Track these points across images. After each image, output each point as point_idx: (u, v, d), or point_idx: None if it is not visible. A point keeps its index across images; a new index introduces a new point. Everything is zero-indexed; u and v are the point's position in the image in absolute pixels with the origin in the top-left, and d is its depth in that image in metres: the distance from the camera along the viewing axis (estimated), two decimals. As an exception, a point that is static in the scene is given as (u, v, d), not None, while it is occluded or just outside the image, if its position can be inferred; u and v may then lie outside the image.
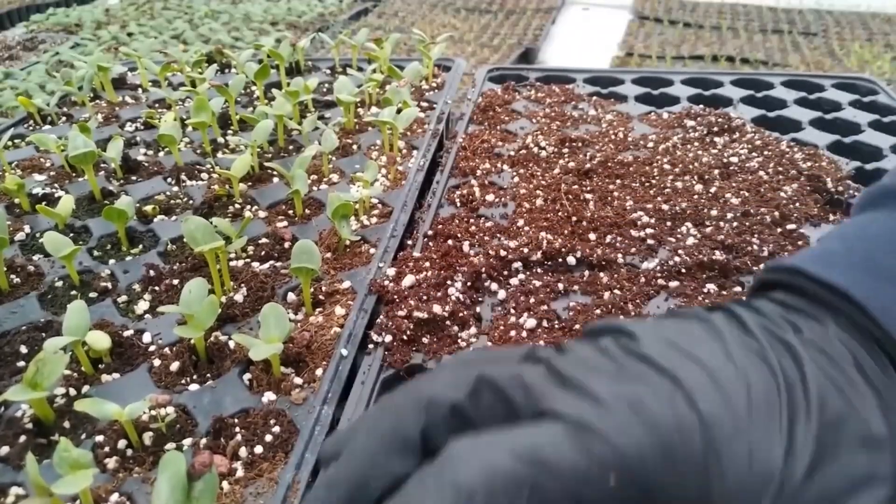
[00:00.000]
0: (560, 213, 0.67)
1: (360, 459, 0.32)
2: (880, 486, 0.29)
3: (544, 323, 0.54)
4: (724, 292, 0.57)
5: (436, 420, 0.32)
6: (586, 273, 0.60)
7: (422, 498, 0.28)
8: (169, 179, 0.80)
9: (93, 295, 0.61)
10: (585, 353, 0.32)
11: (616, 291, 0.57)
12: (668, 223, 0.66)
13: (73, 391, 0.50)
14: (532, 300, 0.56)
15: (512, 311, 0.56)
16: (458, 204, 0.71)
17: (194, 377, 0.51)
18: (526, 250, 0.61)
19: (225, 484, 0.42)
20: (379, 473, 0.31)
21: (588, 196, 0.70)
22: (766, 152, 0.78)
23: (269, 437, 0.45)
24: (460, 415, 0.32)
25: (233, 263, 0.64)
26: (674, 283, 0.58)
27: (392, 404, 0.34)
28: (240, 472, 0.43)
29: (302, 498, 0.41)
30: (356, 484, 0.32)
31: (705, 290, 0.57)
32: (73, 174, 0.82)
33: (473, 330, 0.54)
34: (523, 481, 0.28)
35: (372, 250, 0.64)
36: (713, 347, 0.32)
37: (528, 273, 0.60)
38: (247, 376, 0.51)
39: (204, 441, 0.45)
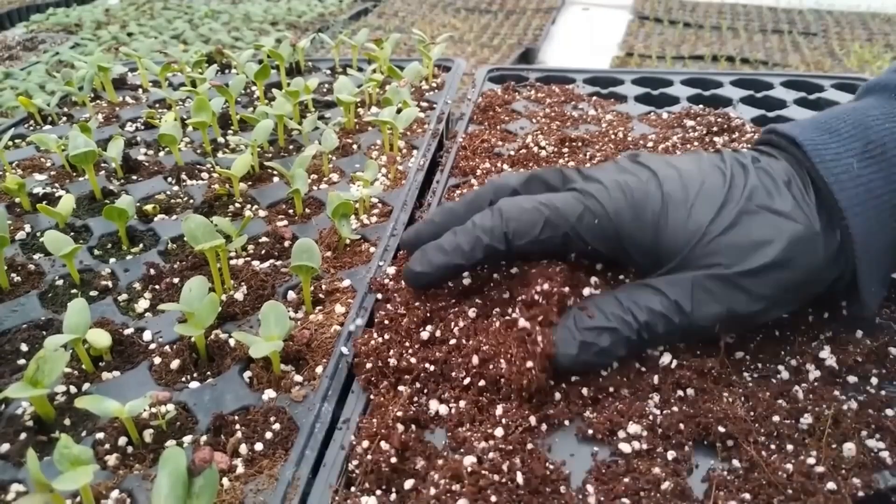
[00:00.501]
0: None
1: (448, 212, 0.55)
2: (780, 250, 0.44)
3: None
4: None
5: (500, 196, 0.53)
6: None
7: (480, 219, 0.50)
8: (169, 179, 0.80)
9: (93, 293, 0.61)
10: (604, 163, 0.54)
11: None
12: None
13: (73, 389, 0.50)
14: None
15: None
16: (458, 203, 0.71)
17: (195, 375, 0.51)
18: None
19: (225, 480, 0.42)
20: (459, 221, 0.52)
21: None
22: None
23: (269, 435, 0.45)
24: (516, 193, 0.54)
25: (233, 262, 0.64)
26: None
27: (474, 190, 0.58)
28: (240, 469, 0.43)
29: (302, 494, 0.41)
30: (443, 225, 0.53)
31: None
32: (74, 174, 0.82)
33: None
34: (540, 215, 0.48)
35: (372, 249, 0.65)
36: (690, 161, 0.51)
37: None
38: (247, 374, 0.51)
39: (204, 438, 0.45)
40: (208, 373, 0.52)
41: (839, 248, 0.46)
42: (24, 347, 0.54)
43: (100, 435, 0.46)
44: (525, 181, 0.54)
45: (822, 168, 0.46)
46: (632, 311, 0.46)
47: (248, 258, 0.65)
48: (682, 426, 0.43)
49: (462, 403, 0.46)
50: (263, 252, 0.65)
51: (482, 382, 0.46)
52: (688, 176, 0.48)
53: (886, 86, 0.49)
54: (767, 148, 0.52)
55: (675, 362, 0.48)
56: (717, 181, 0.48)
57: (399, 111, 0.84)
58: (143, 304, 0.59)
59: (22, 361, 0.53)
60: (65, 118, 0.97)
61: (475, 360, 0.47)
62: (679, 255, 0.46)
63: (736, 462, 0.42)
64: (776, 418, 0.44)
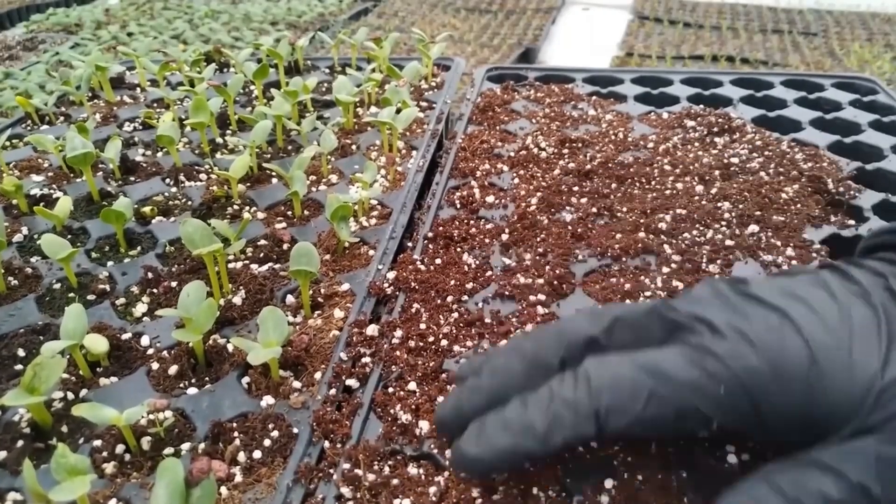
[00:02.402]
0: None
1: (503, 372, 0.40)
2: None
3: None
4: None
5: (573, 351, 0.39)
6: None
7: (559, 389, 0.36)
8: (167, 180, 0.79)
9: (91, 297, 0.60)
10: (705, 294, 0.39)
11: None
12: (671, 226, 0.65)
13: (70, 395, 0.50)
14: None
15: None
16: (458, 205, 0.71)
17: (193, 381, 0.51)
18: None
19: (223, 489, 0.42)
20: (517, 386, 0.38)
21: (585, 200, 0.70)
22: (766, 153, 0.77)
23: (267, 442, 0.45)
24: (596, 345, 0.39)
25: (231, 265, 0.63)
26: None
27: (532, 336, 0.41)
28: (238, 478, 0.43)
29: (302, 502, 0.40)
30: (496, 393, 0.39)
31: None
32: (71, 175, 0.81)
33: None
34: (643, 387, 0.35)
35: (371, 252, 0.64)
36: (818, 291, 0.37)
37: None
38: (245, 380, 0.50)
39: (202, 446, 0.45)
40: (206, 379, 0.51)
41: None
42: (21, 352, 0.54)
43: (97, 442, 0.45)
44: (607, 328, 0.39)
45: None
46: (801, 501, 0.33)
47: (247, 261, 0.64)
48: None
49: None
50: (262, 255, 0.65)
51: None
52: (825, 310, 0.36)
53: None
54: (890, 254, 0.40)
55: None
56: (865, 312, 0.36)
57: (398, 111, 0.83)
58: (140, 309, 0.59)
59: (19, 367, 0.53)
60: (62, 118, 0.97)
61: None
62: (846, 418, 0.34)
63: None
64: None
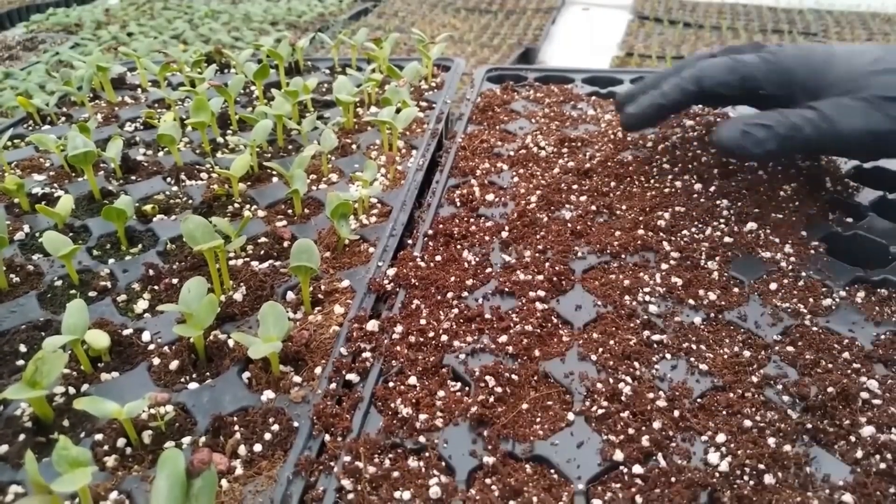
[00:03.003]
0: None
1: (656, 76, 0.72)
2: None
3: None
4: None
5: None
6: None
7: (682, 73, 0.67)
8: (168, 179, 0.80)
9: (92, 294, 0.61)
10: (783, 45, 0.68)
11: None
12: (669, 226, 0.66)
13: (72, 390, 0.50)
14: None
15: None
16: (458, 204, 0.71)
17: (193, 376, 0.51)
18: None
19: (224, 482, 0.42)
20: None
21: (584, 199, 0.71)
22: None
23: (268, 436, 0.45)
24: (711, 57, 0.69)
25: (232, 263, 0.64)
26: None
27: (676, 63, 0.75)
28: (239, 471, 0.43)
29: (299, 499, 0.41)
30: (651, 86, 0.70)
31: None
32: (73, 174, 0.82)
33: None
34: (725, 64, 0.65)
35: (371, 249, 0.64)
36: (856, 45, 0.74)
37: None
38: (246, 375, 0.51)
39: (203, 439, 0.45)
40: (207, 373, 0.51)
41: None
42: (22, 348, 0.54)
43: (98, 436, 0.46)
44: (722, 52, 0.69)
45: None
46: (788, 115, 0.59)
47: (247, 259, 0.65)
48: None
49: None
50: (262, 252, 0.65)
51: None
52: (854, 46, 0.63)
53: None
54: None
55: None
56: (879, 49, 0.61)
57: (398, 111, 0.84)
58: (141, 305, 0.59)
59: (21, 362, 0.53)
60: (64, 118, 0.97)
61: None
62: (837, 89, 0.59)
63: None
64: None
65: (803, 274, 0.59)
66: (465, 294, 0.58)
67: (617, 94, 0.79)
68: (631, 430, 0.44)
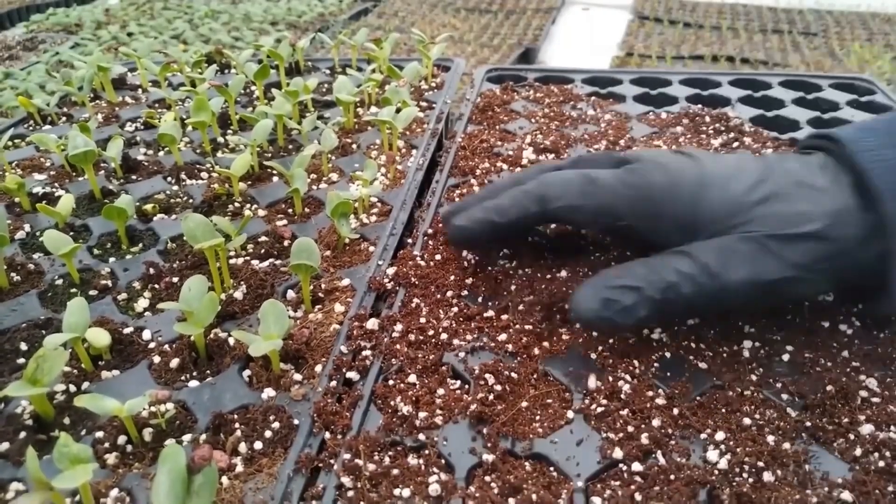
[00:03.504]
0: None
1: (492, 187, 0.60)
2: (816, 221, 0.45)
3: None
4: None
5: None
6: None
7: (524, 186, 0.54)
8: (169, 178, 0.80)
9: (93, 293, 0.61)
10: (647, 150, 0.61)
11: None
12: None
13: (72, 387, 0.50)
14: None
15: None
16: (458, 202, 0.71)
17: (194, 374, 0.51)
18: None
19: (224, 479, 0.42)
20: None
21: None
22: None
23: (268, 433, 0.45)
24: (557, 170, 0.56)
25: (232, 261, 0.64)
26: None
27: (517, 173, 0.67)
28: (239, 468, 0.43)
29: (300, 496, 0.41)
30: (483, 199, 0.57)
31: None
32: (73, 173, 0.82)
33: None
34: (577, 183, 0.52)
35: (371, 248, 0.65)
36: (730, 156, 0.52)
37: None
38: (246, 373, 0.51)
39: (203, 437, 0.45)
40: (207, 371, 0.52)
41: (873, 232, 0.45)
42: (23, 346, 0.55)
43: (99, 434, 0.46)
44: (573, 162, 0.58)
45: (859, 156, 0.46)
46: (659, 271, 0.46)
47: (248, 257, 0.65)
48: None
49: None
50: (263, 251, 0.65)
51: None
52: (726, 160, 0.51)
53: None
54: (806, 148, 0.54)
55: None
56: (755, 164, 0.50)
57: (398, 111, 0.84)
58: (142, 304, 0.59)
59: (21, 360, 0.53)
60: (64, 118, 0.97)
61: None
62: (715, 225, 0.47)
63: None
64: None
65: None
66: (465, 293, 0.58)
67: (444, 207, 0.65)
68: (630, 428, 0.44)
